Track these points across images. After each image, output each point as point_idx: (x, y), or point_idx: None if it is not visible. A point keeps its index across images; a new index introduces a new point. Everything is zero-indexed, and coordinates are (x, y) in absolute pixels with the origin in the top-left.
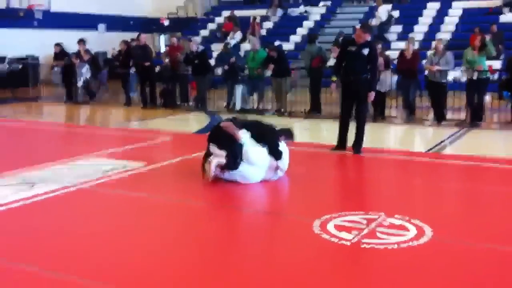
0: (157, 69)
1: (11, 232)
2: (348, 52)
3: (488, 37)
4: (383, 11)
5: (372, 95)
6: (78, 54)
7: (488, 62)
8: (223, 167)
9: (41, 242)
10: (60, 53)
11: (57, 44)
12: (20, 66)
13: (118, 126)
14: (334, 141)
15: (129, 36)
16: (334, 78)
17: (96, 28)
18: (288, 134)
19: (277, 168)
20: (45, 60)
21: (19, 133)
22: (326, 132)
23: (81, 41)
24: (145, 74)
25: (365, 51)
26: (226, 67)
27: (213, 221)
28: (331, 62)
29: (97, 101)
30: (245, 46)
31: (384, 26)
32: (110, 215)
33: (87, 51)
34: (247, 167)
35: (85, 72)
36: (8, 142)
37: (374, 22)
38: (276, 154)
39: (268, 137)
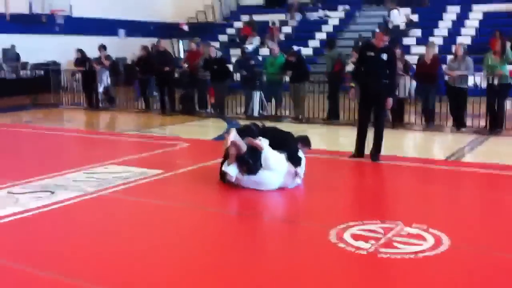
0: (176, 74)
1: (32, 239)
2: (367, 57)
3: (508, 44)
4: (396, 15)
5: (390, 101)
6: (99, 60)
7: (509, 67)
8: (242, 169)
9: (62, 249)
10: (81, 59)
11: (78, 50)
12: (42, 72)
13: (136, 133)
14: (352, 148)
15: (149, 41)
16: (353, 84)
17: (117, 34)
18: (305, 141)
19: (296, 174)
20: (66, 65)
21: (39, 139)
22: (344, 138)
23: (102, 47)
24: (164, 80)
25: (384, 56)
26: (244, 72)
27: (229, 228)
28: (350, 67)
29: (118, 107)
30: (264, 51)
31: (398, 29)
32: (129, 222)
33: (107, 57)
34: (265, 173)
35: (105, 78)
36: (28, 149)
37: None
38: (295, 160)
39: (287, 143)
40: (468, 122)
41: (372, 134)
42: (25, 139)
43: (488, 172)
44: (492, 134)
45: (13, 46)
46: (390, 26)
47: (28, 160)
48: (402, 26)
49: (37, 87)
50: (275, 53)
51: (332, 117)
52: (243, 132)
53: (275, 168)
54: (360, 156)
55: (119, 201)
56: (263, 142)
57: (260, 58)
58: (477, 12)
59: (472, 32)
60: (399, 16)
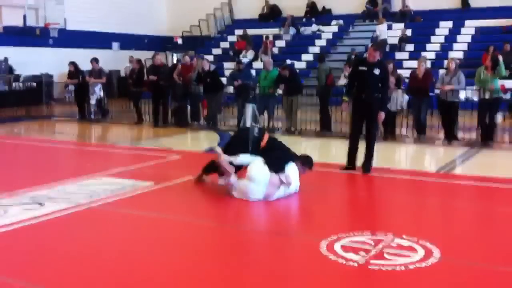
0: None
1: (20, 251)
2: (359, 71)
3: (500, 58)
4: (382, 30)
5: (382, 115)
6: (91, 73)
7: (500, 82)
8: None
9: (50, 262)
10: (75, 72)
11: (71, 63)
12: (35, 84)
13: (128, 145)
14: (344, 160)
15: (143, 54)
16: (346, 98)
17: (111, 47)
18: (306, 161)
19: (280, 183)
20: (59, 78)
21: (30, 151)
22: (336, 150)
23: (94, 60)
24: (159, 93)
25: (377, 71)
26: (235, 82)
27: (220, 240)
28: (342, 81)
29: (110, 119)
30: (257, 65)
31: (385, 43)
32: (119, 235)
33: (100, 70)
34: (247, 183)
35: (98, 90)
36: (19, 160)
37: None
38: (274, 166)
39: (274, 151)
40: (460, 135)
41: (364, 146)
42: (16, 151)
43: (479, 184)
44: (483, 146)
45: (6, 59)
46: (378, 40)
47: (19, 172)
48: (391, 40)
49: (29, 99)
50: (268, 68)
51: (324, 129)
52: (231, 146)
53: (254, 178)
54: (352, 168)
55: (110, 213)
56: (241, 158)
57: (253, 71)
58: (469, 28)
59: (465, 47)
60: (386, 31)
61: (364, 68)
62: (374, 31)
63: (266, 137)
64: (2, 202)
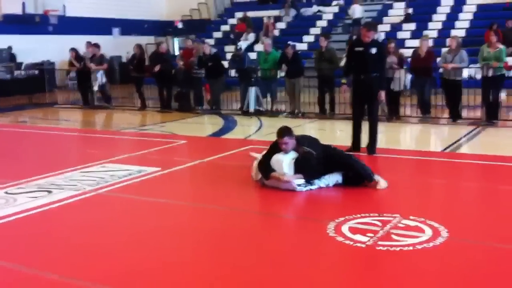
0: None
1: (30, 239)
2: (356, 52)
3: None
4: (355, 9)
5: (382, 94)
6: (92, 59)
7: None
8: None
9: (60, 249)
10: (76, 58)
11: (72, 49)
12: (37, 72)
13: (133, 131)
14: (348, 142)
15: (143, 40)
16: (344, 81)
17: (111, 33)
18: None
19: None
20: (61, 65)
21: (36, 139)
22: (341, 133)
23: (94, 45)
24: (165, 78)
25: (373, 50)
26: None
27: (227, 224)
28: (344, 61)
29: (113, 105)
30: (259, 47)
31: (359, 23)
32: (127, 221)
33: (102, 56)
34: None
35: (100, 76)
36: (24, 149)
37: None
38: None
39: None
40: (464, 113)
41: (367, 127)
42: (21, 139)
43: (484, 163)
44: (488, 125)
45: (10, 47)
46: (351, 20)
47: (25, 160)
48: (393, 19)
49: (31, 87)
50: (267, 49)
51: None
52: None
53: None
54: (356, 150)
55: (117, 199)
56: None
57: (254, 54)
58: (471, 5)
59: (466, 24)
60: (359, 10)
61: (361, 49)
62: (375, 10)
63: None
64: (10, 190)
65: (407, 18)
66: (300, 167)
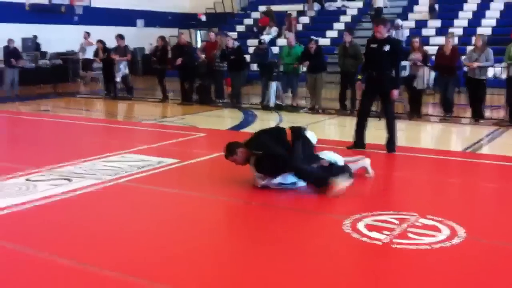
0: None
1: (48, 226)
2: (370, 49)
3: None
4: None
5: (395, 93)
6: (116, 50)
7: None
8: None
9: (79, 236)
10: (103, 50)
11: (99, 41)
12: (61, 62)
13: (153, 122)
14: (368, 139)
15: (167, 32)
16: (360, 77)
17: (135, 24)
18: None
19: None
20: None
21: (58, 128)
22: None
23: (119, 37)
24: (187, 71)
25: (386, 47)
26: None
27: (244, 217)
28: None
29: (134, 96)
30: (281, 42)
31: (380, 12)
32: (145, 210)
33: (125, 47)
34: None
35: (123, 67)
36: (47, 137)
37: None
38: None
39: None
40: (487, 113)
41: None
42: (43, 128)
43: (505, 164)
44: (511, 126)
45: (35, 37)
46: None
47: (46, 148)
48: (417, 16)
49: (56, 77)
50: (291, 43)
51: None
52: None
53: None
54: (360, 147)
55: (136, 189)
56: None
57: (277, 48)
58: (498, 3)
59: (493, 23)
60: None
61: (375, 46)
62: (402, 6)
63: (289, 131)
64: (31, 177)
65: (432, 10)
66: (259, 169)
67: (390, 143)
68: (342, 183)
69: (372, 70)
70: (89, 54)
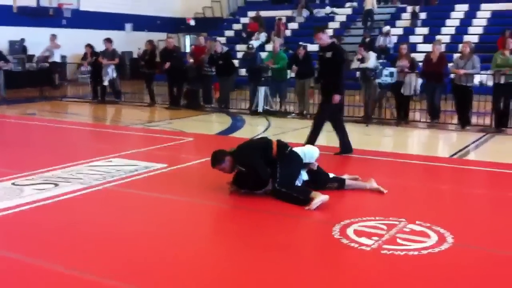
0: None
1: (35, 231)
2: (318, 57)
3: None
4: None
5: (336, 98)
6: (104, 53)
7: None
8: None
9: (65, 241)
10: (91, 55)
11: (88, 45)
12: (48, 65)
13: (141, 127)
14: (359, 144)
15: (155, 36)
16: (313, 84)
17: (123, 28)
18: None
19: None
20: (72, 59)
21: (44, 132)
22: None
23: (107, 40)
24: (175, 75)
25: (328, 54)
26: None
27: (232, 222)
28: (356, 64)
29: (122, 100)
30: (270, 47)
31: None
32: (133, 215)
33: (114, 51)
34: None
35: (111, 71)
36: (33, 141)
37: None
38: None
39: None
40: (473, 120)
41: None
42: (30, 131)
43: (492, 170)
44: (497, 132)
45: (22, 40)
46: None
47: (33, 152)
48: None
49: (42, 80)
50: (275, 49)
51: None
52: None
53: None
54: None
55: (123, 194)
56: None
57: (266, 54)
58: (485, 11)
59: (480, 30)
60: (371, 1)
61: (321, 53)
62: (390, 13)
63: (275, 144)
64: (17, 182)
65: (414, 16)
66: (240, 184)
67: (341, 147)
68: (319, 199)
69: (320, 76)
70: (57, 57)
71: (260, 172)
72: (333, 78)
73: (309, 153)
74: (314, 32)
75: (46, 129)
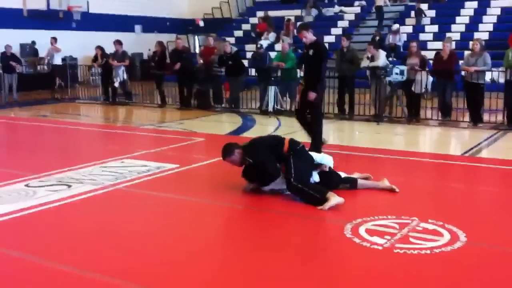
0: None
1: (48, 232)
2: (302, 54)
3: None
4: None
5: (311, 95)
6: (114, 55)
7: None
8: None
9: (78, 242)
10: (101, 56)
11: (99, 47)
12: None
13: (152, 127)
14: (365, 143)
15: (165, 37)
16: (302, 82)
17: (133, 30)
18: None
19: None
20: (83, 61)
21: (56, 133)
22: (358, 134)
23: (117, 42)
24: (185, 76)
25: (310, 52)
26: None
27: (245, 222)
28: (365, 62)
29: (133, 101)
30: (279, 47)
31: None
32: (145, 216)
33: (124, 52)
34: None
35: (121, 72)
36: (45, 143)
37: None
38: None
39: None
40: (485, 117)
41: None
42: (42, 133)
43: (504, 168)
44: (509, 129)
45: (33, 42)
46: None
47: (45, 154)
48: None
49: (54, 82)
50: (284, 49)
51: (347, 112)
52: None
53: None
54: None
55: (135, 195)
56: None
57: (275, 53)
58: (495, 8)
59: (490, 27)
60: None
61: (305, 51)
62: (399, 11)
63: (287, 141)
64: (30, 184)
65: (418, 14)
66: (248, 177)
67: (311, 145)
68: (333, 201)
69: (304, 74)
70: (57, 60)
71: (267, 165)
72: (313, 76)
73: (325, 160)
74: (298, 30)
75: (58, 131)
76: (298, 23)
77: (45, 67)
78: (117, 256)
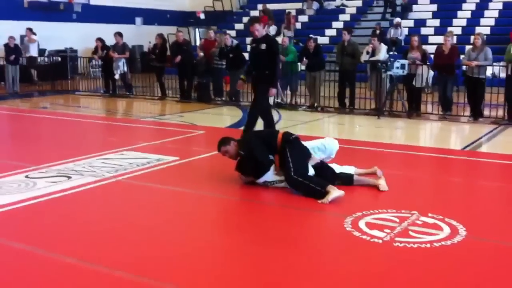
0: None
1: (48, 223)
2: (251, 48)
3: None
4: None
5: (272, 91)
6: (115, 47)
7: None
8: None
9: (78, 233)
10: (102, 48)
11: (99, 39)
12: (59, 59)
13: (152, 120)
14: (367, 137)
15: (165, 30)
16: (243, 77)
17: (134, 22)
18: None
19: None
20: (83, 53)
21: (57, 125)
22: (359, 128)
23: (118, 34)
24: (186, 68)
25: (263, 46)
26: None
27: (245, 215)
28: (365, 56)
29: (133, 94)
30: (280, 40)
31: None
32: (146, 208)
33: (124, 44)
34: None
35: (121, 65)
36: (46, 134)
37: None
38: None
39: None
40: (486, 112)
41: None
42: (43, 125)
43: (505, 162)
44: (510, 124)
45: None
46: None
47: (46, 146)
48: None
49: (54, 74)
50: (284, 42)
51: (348, 106)
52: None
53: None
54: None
55: (136, 187)
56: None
57: None
58: (496, 3)
59: (492, 22)
60: None
61: (253, 45)
62: (400, 5)
63: (280, 135)
64: (30, 175)
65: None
66: (242, 170)
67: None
68: (334, 194)
69: (252, 68)
70: (33, 52)
71: (256, 153)
72: (268, 70)
73: (330, 146)
74: (250, 23)
75: (58, 122)
76: (299, 16)
77: (46, 59)
78: (118, 248)
